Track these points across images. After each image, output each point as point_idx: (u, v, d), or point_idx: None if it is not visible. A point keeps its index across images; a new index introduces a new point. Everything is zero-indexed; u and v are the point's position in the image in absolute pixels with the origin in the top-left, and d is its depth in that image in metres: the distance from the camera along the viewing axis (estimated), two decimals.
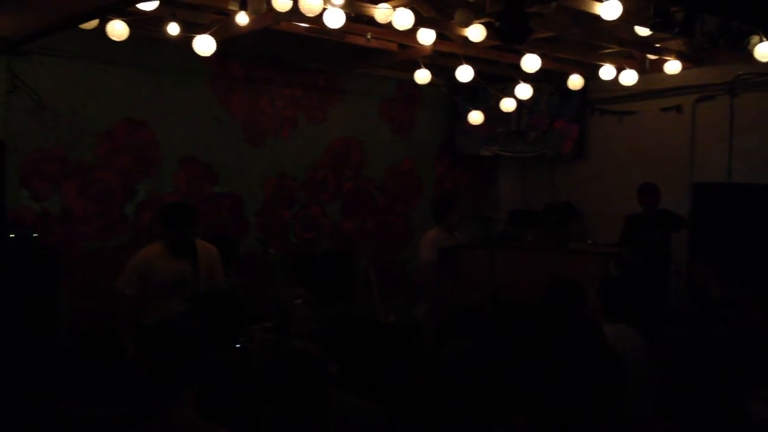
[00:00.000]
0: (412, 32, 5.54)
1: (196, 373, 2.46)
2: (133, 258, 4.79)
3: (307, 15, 4.72)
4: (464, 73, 6.31)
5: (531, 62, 6.06)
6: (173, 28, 5.26)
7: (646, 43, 6.54)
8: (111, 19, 5.07)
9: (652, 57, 7.00)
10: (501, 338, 2.10)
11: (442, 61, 6.79)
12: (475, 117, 7.37)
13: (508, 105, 7.28)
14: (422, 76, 6.60)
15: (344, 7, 4.93)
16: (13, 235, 5.28)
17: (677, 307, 7.00)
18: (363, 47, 6.21)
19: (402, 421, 3.00)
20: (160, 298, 4.70)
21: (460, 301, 5.30)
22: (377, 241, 8.09)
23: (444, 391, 1.92)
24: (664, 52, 6.70)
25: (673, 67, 6.67)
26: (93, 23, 5.12)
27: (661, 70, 6.81)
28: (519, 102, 7.28)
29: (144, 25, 5.35)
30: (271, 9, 4.85)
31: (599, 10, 5.11)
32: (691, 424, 1.87)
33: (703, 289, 4.70)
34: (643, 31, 5.79)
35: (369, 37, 5.99)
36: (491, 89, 7.67)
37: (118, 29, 5.09)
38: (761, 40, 5.60)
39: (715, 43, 5.84)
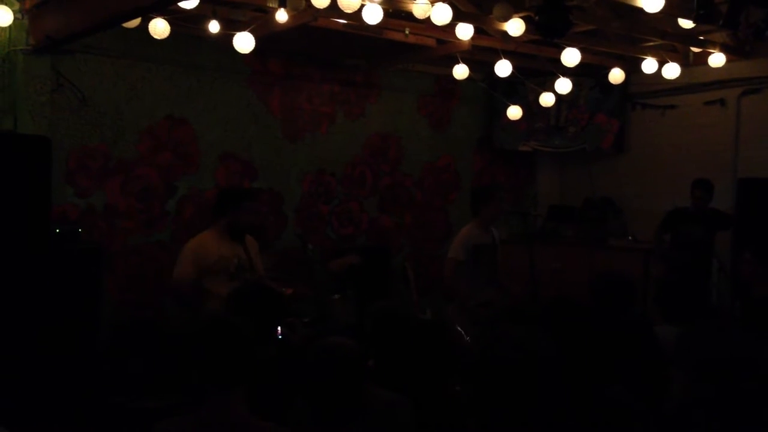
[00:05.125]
0: (450, 27, 5.52)
1: (247, 368, 2.48)
2: (186, 247, 4.73)
3: (345, 11, 4.73)
4: (503, 68, 6.27)
5: (571, 56, 5.99)
6: (213, 26, 5.33)
7: (689, 36, 6.42)
8: (153, 18, 5.16)
9: (695, 50, 6.87)
10: (541, 332, 2.09)
11: (480, 56, 6.75)
12: (514, 112, 7.32)
13: (547, 100, 7.20)
14: (460, 71, 6.57)
15: (382, 3, 4.94)
16: (58, 231, 5.40)
17: (720, 305, 6.86)
18: (401, 43, 6.21)
19: (432, 415, 3.01)
20: (217, 282, 4.62)
21: (499, 299, 5.24)
22: (415, 236, 8.09)
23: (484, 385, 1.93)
24: (707, 45, 6.57)
25: (717, 59, 6.54)
26: (135, 22, 5.21)
27: (704, 63, 6.68)
28: (558, 96, 7.20)
29: (185, 23, 5.43)
30: (309, 6, 4.88)
31: (641, 2, 5.04)
32: (715, 416, 1.85)
33: (746, 286, 4.58)
34: (686, 24, 5.68)
35: (407, 32, 5.98)
36: (530, 84, 7.61)
37: (159, 27, 5.19)
38: None
39: (760, 35, 5.69)
